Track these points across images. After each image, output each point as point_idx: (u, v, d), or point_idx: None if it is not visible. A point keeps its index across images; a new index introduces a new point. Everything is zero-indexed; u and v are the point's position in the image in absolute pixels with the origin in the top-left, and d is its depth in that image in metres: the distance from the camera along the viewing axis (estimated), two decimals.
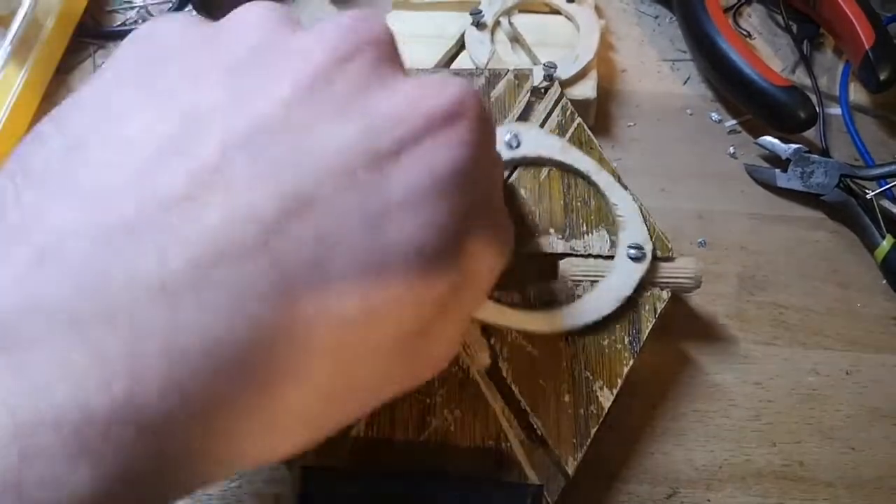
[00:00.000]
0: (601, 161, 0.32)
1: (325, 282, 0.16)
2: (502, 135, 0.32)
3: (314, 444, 0.19)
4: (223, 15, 0.20)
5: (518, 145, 0.32)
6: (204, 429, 0.15)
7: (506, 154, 0.32)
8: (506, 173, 0.32)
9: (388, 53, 0.19)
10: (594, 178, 0.32)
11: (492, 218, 0.21)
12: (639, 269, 0.30)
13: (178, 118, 0.17)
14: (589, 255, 0.31)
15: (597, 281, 0.30)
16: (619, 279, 0.30)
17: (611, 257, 0.31)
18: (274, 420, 0.17)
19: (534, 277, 0.31)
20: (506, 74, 0.34)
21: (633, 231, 0.31)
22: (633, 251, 0.30)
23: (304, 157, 0.17)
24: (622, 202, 0.31)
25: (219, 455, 0.16)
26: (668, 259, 0.31)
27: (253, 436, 0.17)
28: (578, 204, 0.32)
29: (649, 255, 0.30)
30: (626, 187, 0.32)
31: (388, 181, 0.17)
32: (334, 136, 0.17)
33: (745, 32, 0.44)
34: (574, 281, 0.30)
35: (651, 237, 0.31)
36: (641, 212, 0.31)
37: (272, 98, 0.17)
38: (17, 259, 0.15)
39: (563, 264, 0.30)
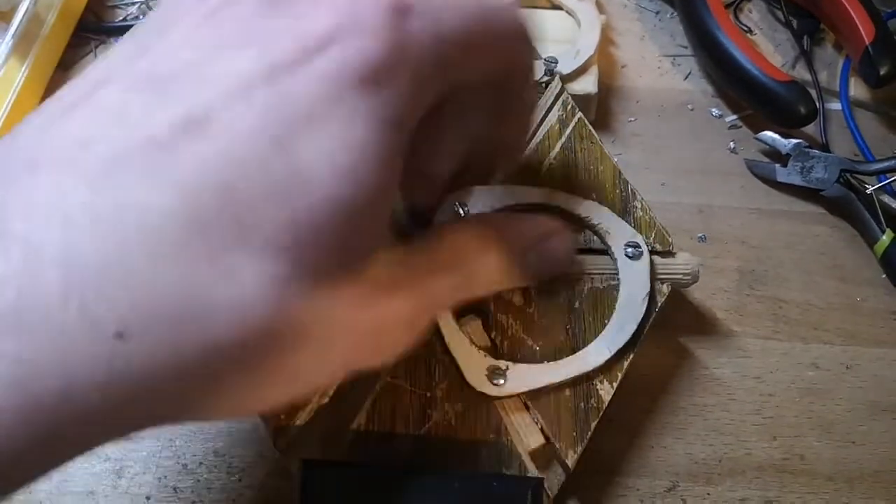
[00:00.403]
0: (602, 156, 0.32)
1: (238, 203, 0.16)
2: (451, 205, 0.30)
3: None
4: None
5: (467, 210, 0.30)
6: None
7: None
8: None
9: None
10: (551, 203, 0.31)
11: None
12: (642, 266, 0.30)
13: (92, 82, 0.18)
14: (586, 251, 0.31)
15: (594, 277, 0.30)
16: (632, 284, 0.30)
17: (605, 252, 0.31)
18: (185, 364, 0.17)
19: None
20: None
21: (616, 232, 0.31)
22: (629, 249, 0.30)
23: (198, 83, 0.17)
24: (590, 212, 0.31)
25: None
26: (670, 254, 0.31)
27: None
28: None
29: (646, 249, 0.30)
30: (627, 185, 0.32)
31: (290, 96, 0.17)
32: (231, 59, 0.17)
33: (745, 28, 0.44)
34: (574, 278, 0.30)
35: (650, 233, 0.31)
36: (629, 211, 0.31)
37: (168, 42, 0.18)
38: None
39: None
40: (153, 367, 0.16)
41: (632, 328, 0.29)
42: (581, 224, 0.31)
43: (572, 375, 0.28)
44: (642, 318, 0.29)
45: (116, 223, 0.16)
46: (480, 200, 0.30)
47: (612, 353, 0.28)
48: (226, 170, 0.16)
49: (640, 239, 0.30)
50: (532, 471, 0.27)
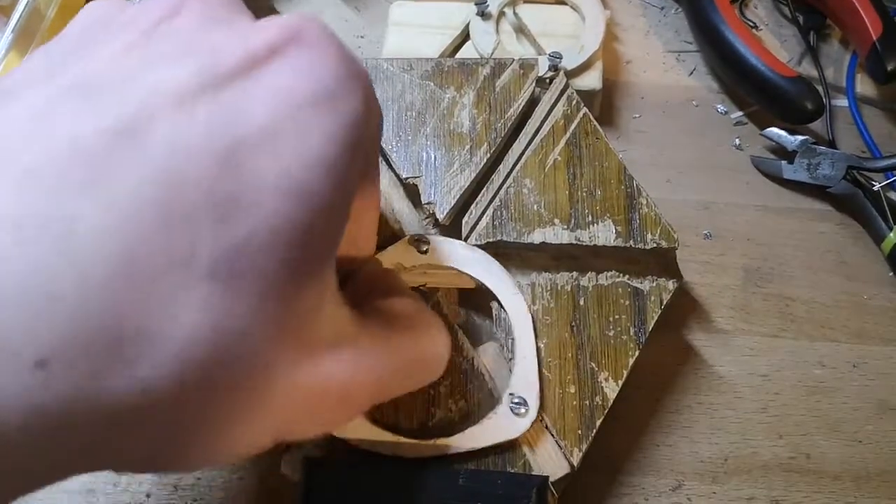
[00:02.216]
0: (607, 152, 0.32)
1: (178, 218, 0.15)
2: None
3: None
4: None
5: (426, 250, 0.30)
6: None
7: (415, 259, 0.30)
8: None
9: (220, 2, 0.19)
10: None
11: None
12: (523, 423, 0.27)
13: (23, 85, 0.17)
14: (594, 251, 0.30)
15: (600, 273, 0.30)
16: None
17: (618, 248, 0.30)
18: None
19: (538, 268, 0.30)
20: (511, 64, 0.34)
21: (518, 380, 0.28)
22: (514, 405, 0.27)
23: (133, 92, 0.16)
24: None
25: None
26: (673, 250, 0.31)
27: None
28: (584, 194, 0.31)
29: (532, 407, 0.28)
30: (632, 182, 0.32)
31: (238, 110, 0.16)
32: (172, 70, 0.16)
33: (751, 23, 0.44)
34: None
35: (656, 229, 0.31)
36: (637, 209, 0.31)
37: (98, 55, 0.17)
38: None
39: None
40: (75, 403, 0.14)
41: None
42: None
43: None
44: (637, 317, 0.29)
45: (41, 236, 0.14)
46: None
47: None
48: (163, 187, 0.15)
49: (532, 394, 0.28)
50: (537, 469, 0.27)
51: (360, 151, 0.18)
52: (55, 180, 0.14)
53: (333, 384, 0.18)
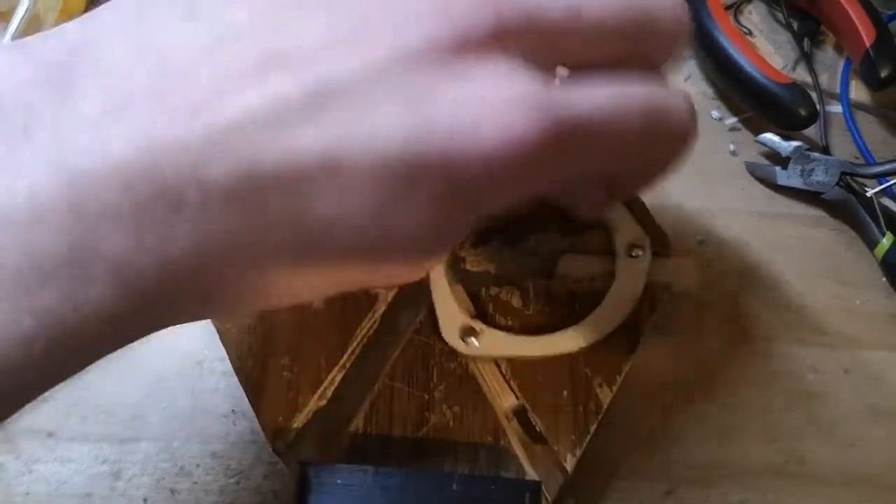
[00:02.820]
0: None
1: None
2: None
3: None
4: None
5: None
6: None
7: None
8: None
9: None
10: None
11: None
12: (642, 267, 0.30)
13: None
14: (588, 252, 0.31)
15: (595, 279, 0.30)
16: (626, 283, 0.30)
17: (609, 253, 0.30)
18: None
19: (533, 274, 0.31)
20: None
21: (625, 231, 0.31)
22: (634, 249, 0.30)
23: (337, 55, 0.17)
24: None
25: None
26: (667, 256, 0.31)
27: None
28: None
29: (649, 252, 0.30)
30: None
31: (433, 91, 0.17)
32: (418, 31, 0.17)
33: (745, 30, 0.44)
34: (574, 280, 0.30)
35: (650, 234, 0.31)
36: (632, 209, 0.31)
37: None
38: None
39: (562, 263, 0.30)
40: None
41: (610, 326, 0.29)
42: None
43: (538, 354, 0.28)
44: (629, 319, 0.29)
45: None
46: None
47: (585, 344, 0.29)
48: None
49: (646, 241, 0.30)
50: (531, 474, 0.27)
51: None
52: None
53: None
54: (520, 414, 0.28)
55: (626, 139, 0.19)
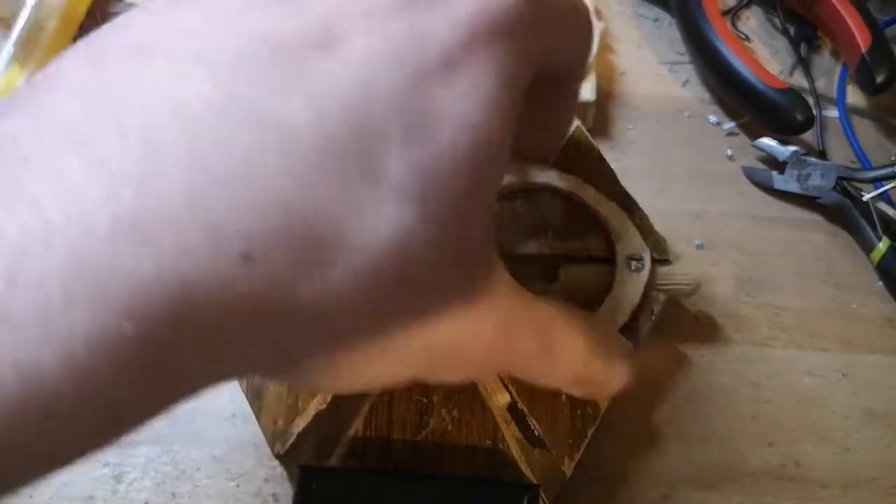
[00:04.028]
0: (599, 162, 0.32)
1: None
2: None
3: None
4: None
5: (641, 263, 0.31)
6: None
7: None
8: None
9: None
10: (579, 194, 0.31)
11: None
12: (641, 278, 0.30)
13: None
14: (589, 259, 0.31)
15: (594, 287, 0.30)
16: (625, 291, 0.30)
17: (609, 260, 0.31)
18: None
19: (533, 281, 0.31)
20: None
21: (627, 241, 0.31)
22: (633, 262, 0.30)
23: (330, 2, 0.15)
24: (611, 214, 0.31)
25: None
26: (666, 262, 0.31)
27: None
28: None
29: (649, 263, 0.30)
30: (625, 193, 0.32)
31: (426, 34, 0.15)
32: None
33: (742, 35, 0.45)
34: (574, 287, 0.30)
35: (648, 241, 0.31)
36: (633, 220, 0.31)
37: None
38: None
39: (563, 272, 0.30)
40: (267, 301, 0.14)
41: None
42: (595, 219, 0.31)
43: None
44: (627, 324, 0.29)
45: (246, 125, 0.14)
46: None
47: None
48: (358, 97, 0.14)
49: (646, 253, 0.30)
50: (529, 478, 0.27)
51: (522, 92, 0.17)
52: (255, 72, 0.14)
53: (484, 336, 0.18)
54: (516, 414, 0.28)
55: (569, 16, 0.19)
